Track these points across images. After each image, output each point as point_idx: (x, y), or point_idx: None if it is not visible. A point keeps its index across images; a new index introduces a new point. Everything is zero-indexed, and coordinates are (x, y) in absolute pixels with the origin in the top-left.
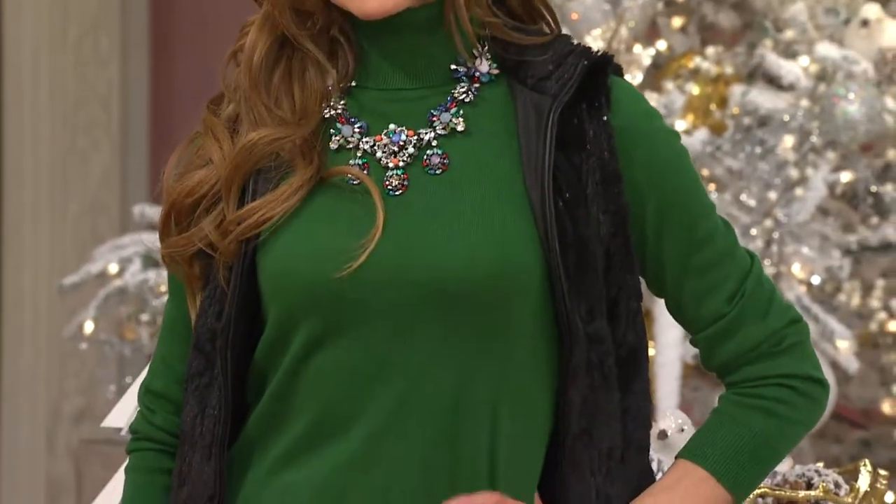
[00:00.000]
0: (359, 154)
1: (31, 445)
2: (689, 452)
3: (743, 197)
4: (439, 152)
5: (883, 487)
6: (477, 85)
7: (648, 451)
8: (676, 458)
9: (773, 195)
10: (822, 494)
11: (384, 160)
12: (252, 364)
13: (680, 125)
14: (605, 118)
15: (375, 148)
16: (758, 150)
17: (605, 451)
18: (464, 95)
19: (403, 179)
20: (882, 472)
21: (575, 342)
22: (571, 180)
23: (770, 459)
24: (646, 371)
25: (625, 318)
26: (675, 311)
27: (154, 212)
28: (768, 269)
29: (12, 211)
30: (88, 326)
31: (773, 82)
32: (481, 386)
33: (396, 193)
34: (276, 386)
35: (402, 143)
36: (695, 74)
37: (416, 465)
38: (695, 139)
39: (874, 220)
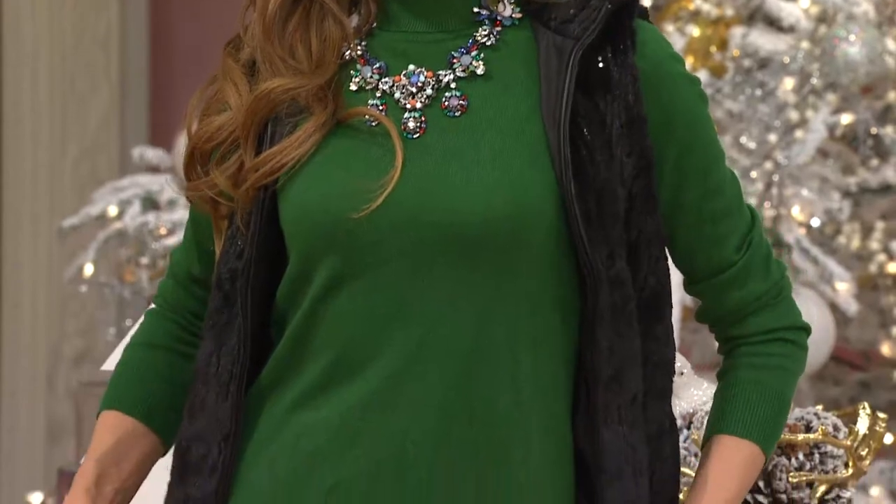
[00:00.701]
0: (377, 95)
1: (31, 387)
2: (731, 427)
3: (743, 139)
4: (458, 94)
5: (882, 430)
6: (499, 28)
7: (670, 399)
8: (714, 433)
9: (773, 137)
10: (821, 437)
11: (402, 101)
12: (273, 306)
13: None
14: (630, 60)
15: (394, 89)
16: (758, 92)
17: (630, 398)
18: (485, 38)
19: (421, 122)
20: (881, 414)
21: (598, 286)
22: (595, 123)
23: (787, 413)
24: (669, 316)
25: (646, 262)
26: (682, 257)
27: (153, 154)
28: (768, 211)
29: (11, 153)
30: (88, 269)
31: (774, 24)
32: (499, 329)
33: (414, 136)
34: (296, 327)
35: (420, 85)
36: (695, 16)
37: (434, 408)
38: None
39: (874, 162)
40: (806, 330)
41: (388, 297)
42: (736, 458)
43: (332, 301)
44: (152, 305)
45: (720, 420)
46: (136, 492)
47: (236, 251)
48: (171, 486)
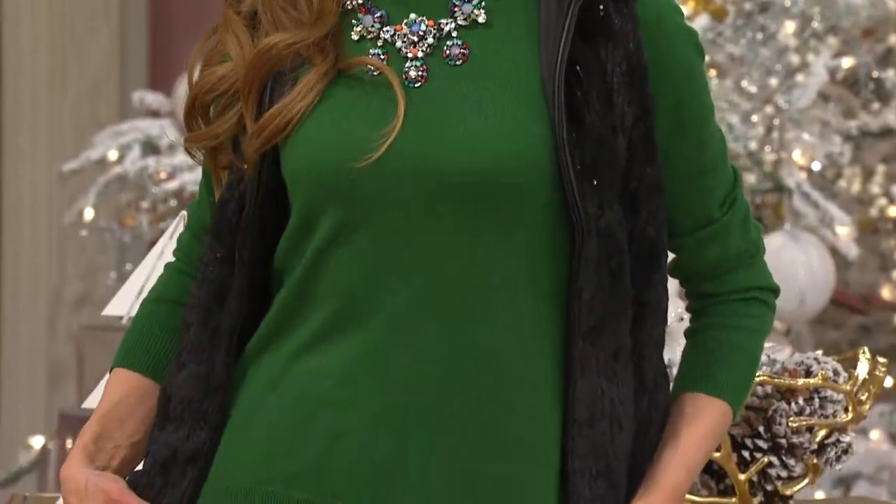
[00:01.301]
0: (379, 44)
1: (32, 331)
2: (705, 385)
3: (744, 83)
4: (459, 43)
5: (882, 374)
6: None
7: (663, 348)
8: (687, 390)
9: (773, 81)
10: (820, 382)
11: (404, 50)
12: (275, 258)
13: None
14: (632, 9)
15: (395, 38)
16: (759, 35)
17: (613, 352)
18: None
19: (423, 71)
20: (881, 359)
21: (585, 236)
22: (595, 71)
23: (755, 373)
24: (665, 266)
25: (645, 212)
26: (668, 208)
27: (153, 98)
28: (769, 155)
29: (11, 97)
30: (88, 213)
31: None
32: (500, 278)
33: (416, 85)
34: (297, 278)
35: (421, 34)
36: None
37: (436, 356)
38: (696, 25)
39: (875, 105)
40: (776, 292)
41: (390, 246)
42: (709, 418)
43: (334, 251)
44: (172, 259)
45: (694, 378)
46: (143, 447)
47: (236, 204)
48: (154, 433)
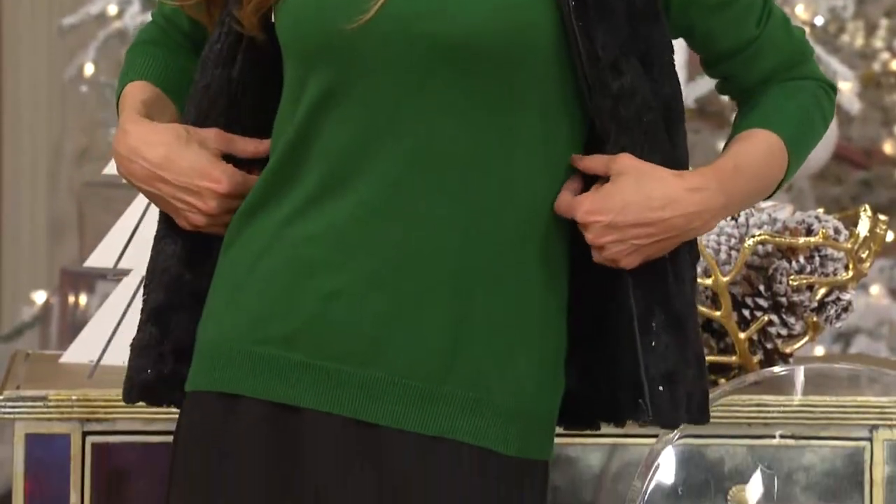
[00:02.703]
0: None
1: (33, 185)
2: (760, 121)
3: None
4: None
5: (882, 232)
6: None
7: None
8: (745, 128)
9: None
10: (821, 241)
11: None
12: (273, 130)
13: None
14: None
15: None
16: None
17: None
18: None
19: None
20: (881, 216)
21: (602, 98)
22: None
23: (810, 148)
24: (683, 123)
25: (658, 72)
26: (703, 44)
27: None
28: None
29: None
30: (88, 69)
31: None
32: (493, 140)
33: None
34: (289, 142)
35: None
36: None
37: (429, 217)
38: None
39: None
40: (835, 89)
41: (382, 108)
42: (760, 143)
43: (326, 113)
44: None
45: (739, 125)
46: None
47: (226, 56)
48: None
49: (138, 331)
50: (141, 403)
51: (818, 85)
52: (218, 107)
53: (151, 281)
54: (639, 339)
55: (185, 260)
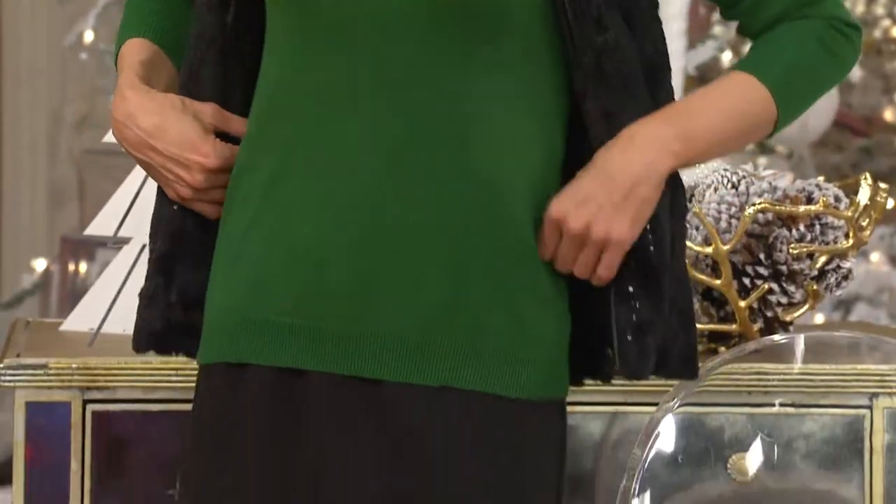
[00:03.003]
0: None
1: (33, 151)
2: (749, 66)
3: None
4: None
5: (883, 200)
6: None
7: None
8: (732, 70)
9: None
10: (821, 209)
11: None
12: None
13: None
14: None
15: None
16: None
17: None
18: None
19: None
20: (882, 184)
21: (585, 53)
22: None
23: (813, 92)
24: (669, 81)
25: (641, 30)
26: None
27: None
28: None
29: None
30: (88, 36)
31: None
32: (477, 93)
33: None
34: (269, 98)
35: None
36: None
37: (415, 169)
38: None
39: None
40: (856, 28)
41: (362, 57)
42: (737, 90)
43: (309, 57)
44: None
45: (738, 63)
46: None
47: (217, 1)
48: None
49: (146, 280)
50: (141, 372)
51: (827, 24)
52: (211, 53)
53: (156, 231)
54: (612, 289)
55: (186, 209)
